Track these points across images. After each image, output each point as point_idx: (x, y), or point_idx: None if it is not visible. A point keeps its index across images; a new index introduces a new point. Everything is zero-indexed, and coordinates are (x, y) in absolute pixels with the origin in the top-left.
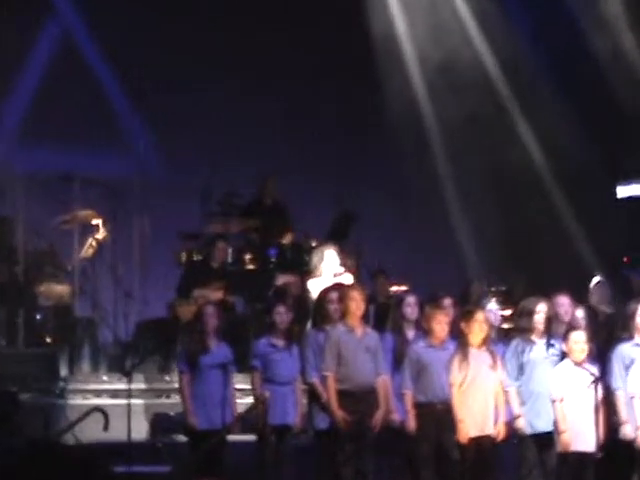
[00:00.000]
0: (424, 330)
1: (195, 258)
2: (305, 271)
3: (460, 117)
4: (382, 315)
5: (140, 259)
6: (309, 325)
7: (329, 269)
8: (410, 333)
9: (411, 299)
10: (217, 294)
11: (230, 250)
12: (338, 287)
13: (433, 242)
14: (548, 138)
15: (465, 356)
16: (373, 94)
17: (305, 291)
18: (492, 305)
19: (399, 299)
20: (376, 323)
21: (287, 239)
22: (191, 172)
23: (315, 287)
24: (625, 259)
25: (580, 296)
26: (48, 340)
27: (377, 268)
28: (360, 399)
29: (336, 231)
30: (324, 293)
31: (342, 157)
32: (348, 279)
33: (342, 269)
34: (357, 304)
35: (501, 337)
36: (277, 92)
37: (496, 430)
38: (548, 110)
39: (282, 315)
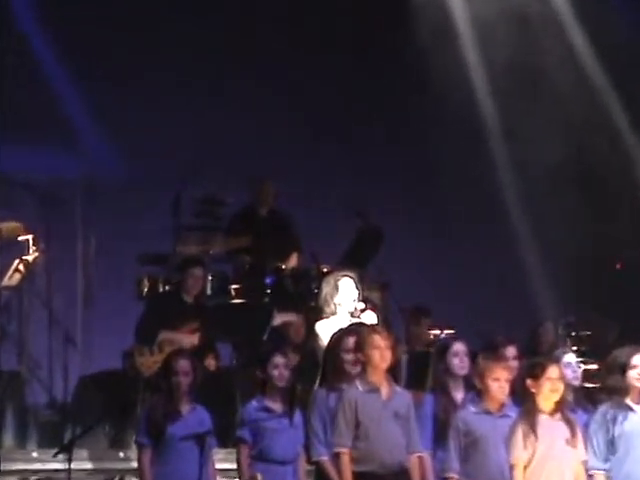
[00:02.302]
0: (477, 390)
1: (162, 289)
2: (312, 308)
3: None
4: (418, 369)
5: (85, 290)
6: (317, 383)
7: (345, 305)
8: (457, 394)
9: (459, 347)
10: (191, 339)
11: (210, 278)
12: (357, 330)
13: (488, 269)
14: None
15: (532, 427)
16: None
17: (312, 335)
18: (570, 357)
19: (442, 347)
20: (410, 380)
21: (289, 263)
22: (158, 174)
23: (326, 330)
24: (618, 265)
25: None
26: None
27: (413, 306)
28: None
29: (355, 253)
30: (338, 339)
31: (361, 156)
32: (371, 319)
33: (362, 305)
34: (382, 353)
35: (583, 401)
36: (271, 73)
37: None
38: None
39: (280, 369)
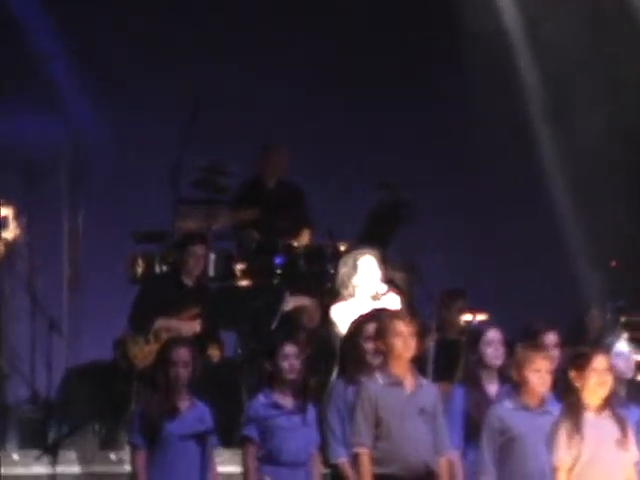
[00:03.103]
0: (513, 383)
1: (158, 270)
2: (328, 290)
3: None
4: (448, 359)
5: (71, 272)
6: (334, 375)
7: (365, 287)
8: (492, 387)
9: (493, 335)
10: (191, 326)
11: (212, 258)
12: (378, 316)
13: (527, 249)
14: None
15: (577, 425)
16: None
17: (327, 322)
18: (622, 346)
19: (475, 335)
20: (438, 371)
21: (301, 240)
22: (154, 140)
23: (343, 315)
24: (614, 263)
25: None
26: None
27: (443, 290)
28: None
29: (377, 229)
30: (357, 325)
31: (385, 120)
32: (394, 303)
33: (385, 288)
34: (406, 342)
35: (637, 395)
36: (284, 28)
37: None
38: None
39: (291, 359)
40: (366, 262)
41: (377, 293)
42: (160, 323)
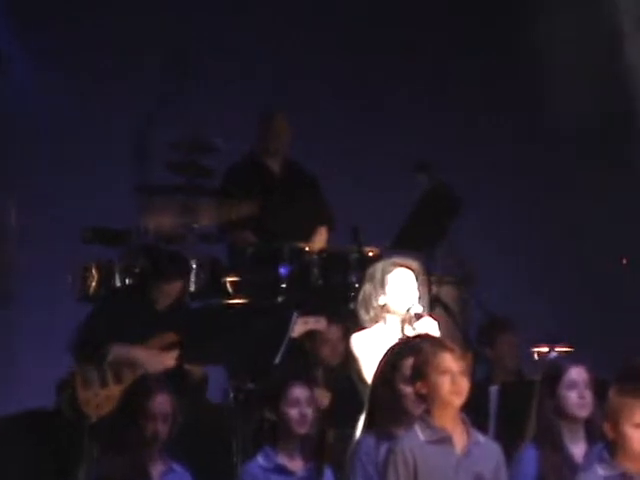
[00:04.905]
0: (606, 441)
1: (119, 283)
2: (350, 311)
3: None
4: (515, 408)
5: (1, 284)
6: (359, 427)
7: (396, 309)
8: (576, 447)
9: (578, 374)
10: (164, 359)
11: (194, 267)
12: (417, 347)
13: (622, 251)
14: None
15: None
16: None
17: (350, 354)
18: None
19: (552, 374)
20: (501, 424)
21: (315, 243)
22: (114, 108)
23: (366, 347)
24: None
25: None
26: None
27: (485, 321)
28: None
29: (418, 229)
30: (391, 360)
31: (426, 91)
32: (429, 329)
33: (420, 308)
34: (456, 382)
35: None
36: None
37: None
38: None
39: (302, 406)
40: (398, 276)
41: (415, 314)
42: (117, 352)
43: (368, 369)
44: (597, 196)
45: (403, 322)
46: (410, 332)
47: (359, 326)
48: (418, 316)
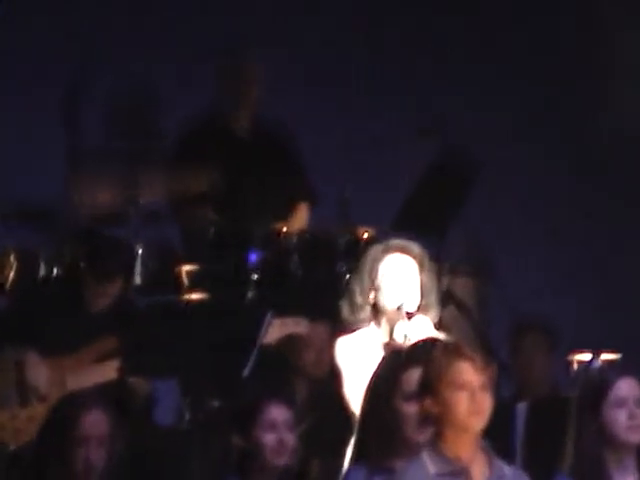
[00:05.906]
0: None
1: (44, 274)
2: (335, 308)
3: None
4: (545, 428)
5: None
6: (348, 457)
7: (388, 302)
8: (624, 477)
9: (628, 389)
10: (101, 371)
11: (139, 252)
12: (424, 353)
13: None
14: None
15: None
16: None
17: (334, 364)
18: None
19: (594, 389)
20: (531, 451)
21: (294, 223)
22: (41, 58)
23: (356, 353)
24: None
25: None
26: None
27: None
28: None
29: (424, 207)
30: (388, 372)
31: (439, 41)
32: (423, 328)
33: (411, 306)
34: (475, 401)
35: None
36: None
37: None
38: None
39: (280, 430)
40: (393, 264)
41: (398, 314)
42: (31, 360)
43: (352, 383)
44: None
45: (390, 323)
46: (400, 337)
47: (346, 328)
48: (409, 315)
